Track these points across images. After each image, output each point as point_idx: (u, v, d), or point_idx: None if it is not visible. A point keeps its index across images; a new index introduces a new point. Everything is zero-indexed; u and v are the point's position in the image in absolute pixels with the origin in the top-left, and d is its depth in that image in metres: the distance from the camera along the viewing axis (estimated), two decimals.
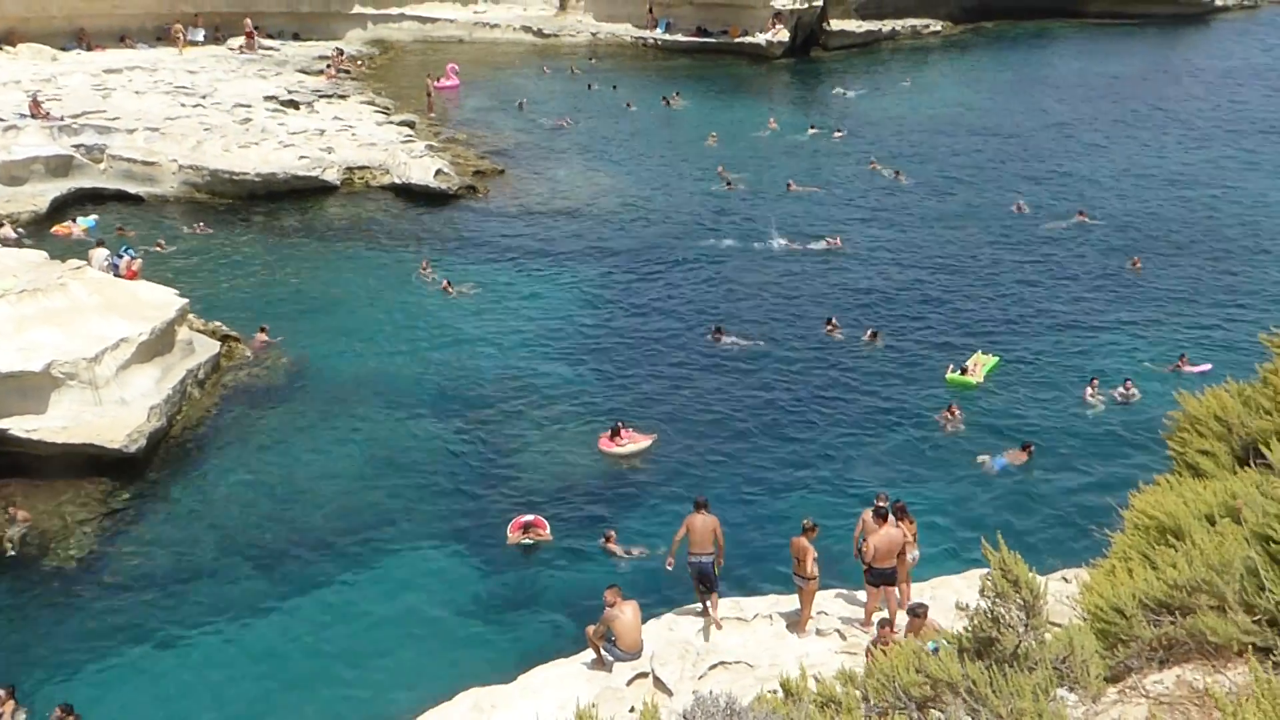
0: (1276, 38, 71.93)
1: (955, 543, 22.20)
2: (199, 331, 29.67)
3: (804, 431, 27.02)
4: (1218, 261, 37.02)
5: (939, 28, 72.28)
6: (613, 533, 22.49)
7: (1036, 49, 70.62)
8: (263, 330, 30.84)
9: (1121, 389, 28.39)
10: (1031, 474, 25.16)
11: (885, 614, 16.58)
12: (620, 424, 26.35)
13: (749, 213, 41.12)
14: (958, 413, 27.41)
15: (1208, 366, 28.83)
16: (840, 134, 51.07)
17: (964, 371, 29.33)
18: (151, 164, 41.37)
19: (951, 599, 16.85)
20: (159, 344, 27.05)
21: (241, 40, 58.21)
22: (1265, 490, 8.28)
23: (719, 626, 17.14)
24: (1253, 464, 9.30)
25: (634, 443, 25.99)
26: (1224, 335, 31.58)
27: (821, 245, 37.97)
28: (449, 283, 34.22)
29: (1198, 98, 58.05)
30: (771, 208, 41.61)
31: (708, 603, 17.36)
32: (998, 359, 30.11)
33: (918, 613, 14.90)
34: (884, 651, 8.36)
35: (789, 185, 43.88)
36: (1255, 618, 7.24)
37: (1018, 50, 69.78)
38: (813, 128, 51.86)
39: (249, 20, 59.23)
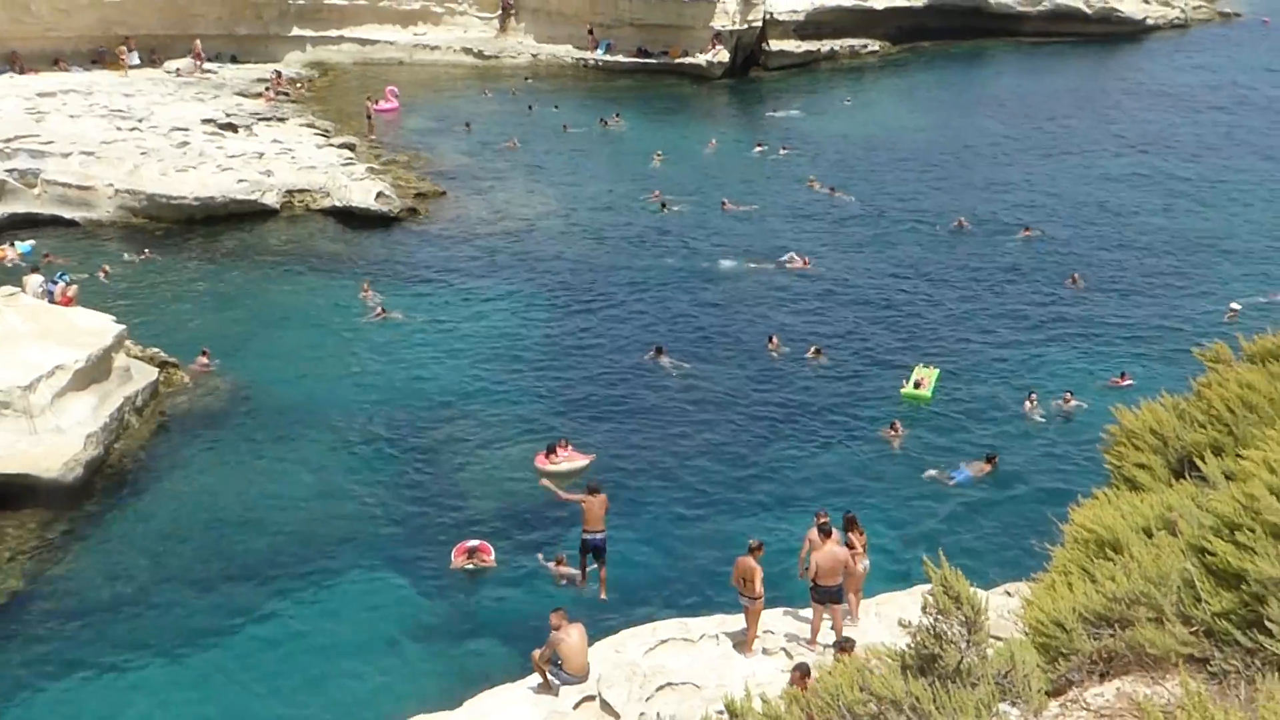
0: (1207, 56, 73.20)
1: (900, 559, 22.33)
2: (136, 358, 29.27)
3: (747, 449, 27.09)
4: (1154, 277, 37.58)
5: (877, 47, 72.84)
6: (563, 555, 22.41)
7: (973, 68, 71.43)
8: (204, 354, 30.54)
9: (1060, 401, 28.74)
10: (976, 488, 25.38)
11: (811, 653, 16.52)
12: (563, 440, 26.39)
13: (689, 233, 41.21)
14: (901, 428, 27.62)
15: (1131, 382, 29.31)
16: (786, 150, 51.34)
17: (917, 385, 29.63)
18: (87, 188, 40.84)
19: (897, 616, 16.91)
20: (96, 371, 26.68)
21: (179, 64, 57.63)
22: (1200, 502, 8.38)
23: (604, 597, 20.46)
24: (1188, 476, 9.42)
25: (569, 461, 25.98)
26: (1160, 349, 32.00)
27: (795, 265, 38.06)
28: (383, 309, 33.96)
29: (1132, 116, 58.93)
30: (709, 227, 41.71)
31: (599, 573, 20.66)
32: (939, 371, 30.42)
33: (845, 647, 14.66)
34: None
35: (724, 204, 44.03)
36: (1192, 629, 7.32)
37: (955, 69, 70.53)
38: (759, 145, 52.13)
39: (198, 41, 58.84)
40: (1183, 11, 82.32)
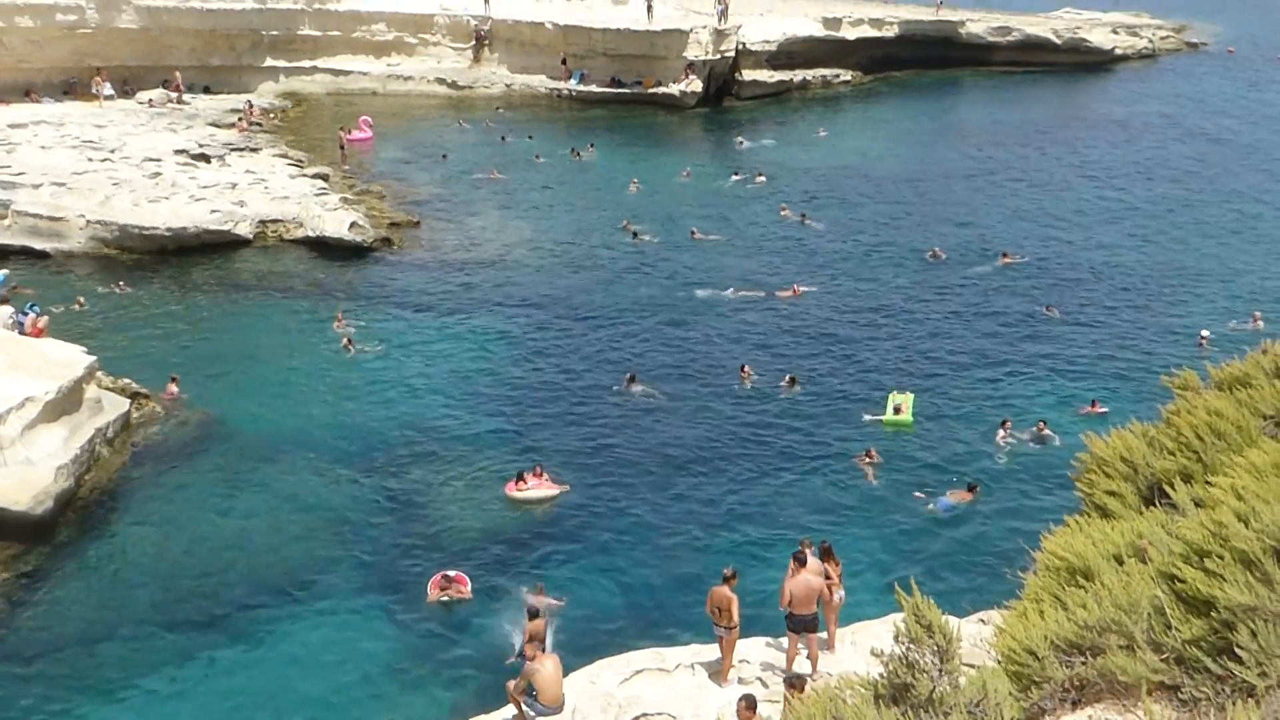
0: (1175, 86, 74.05)
1: (876, 587, 22.30)
2: (108, 389, 29.10)
3: (721, 478, 27.07)
4: (1126, 304, 37.82)
5: (849, 77, 73.44)
6: (541, 585, 22.36)
7: (945, 97, 72.05)
8: (173, 380, 30.41)
9: (1034, 429, 28.85)
10: (952, 515, 25.43)
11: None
12: (538, 467, 26.41)
13: (662, 262, 41.29)
14: (876, 456, 27.67)
15: (1105, 409, 29.48)
16: (762, 178, 51.57)
17: (897, 411, 29.74)
18: (58, 219, 40.66)
19: (873, 644, 16.90)
20: (66, 403, 26.49)
21: (151, 94, 57.61)
22: (1170, 529, 8.42)
23: None
24: (1158, 504, 9.46)
25: (539, 489, 25.97)
26: (1134, 376, 32.18)
27: (785, 294, 38.18)
28: (350, 340, 33.71)
29: (1103, 146, 59.50)
30: (681, 256, 41.77)
31: None
32: (914, 395, 30.57)
33: (794, 684, 14.46)
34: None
35: (692, 233, 44.12)
36: (1163, 656, 7.34)
37: (927, 99, 71.11)
38: (736, 173, 52.40)
39: (178, 73, 59.01)
40: (1150, 42, 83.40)
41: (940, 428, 29.58)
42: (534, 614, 19.02)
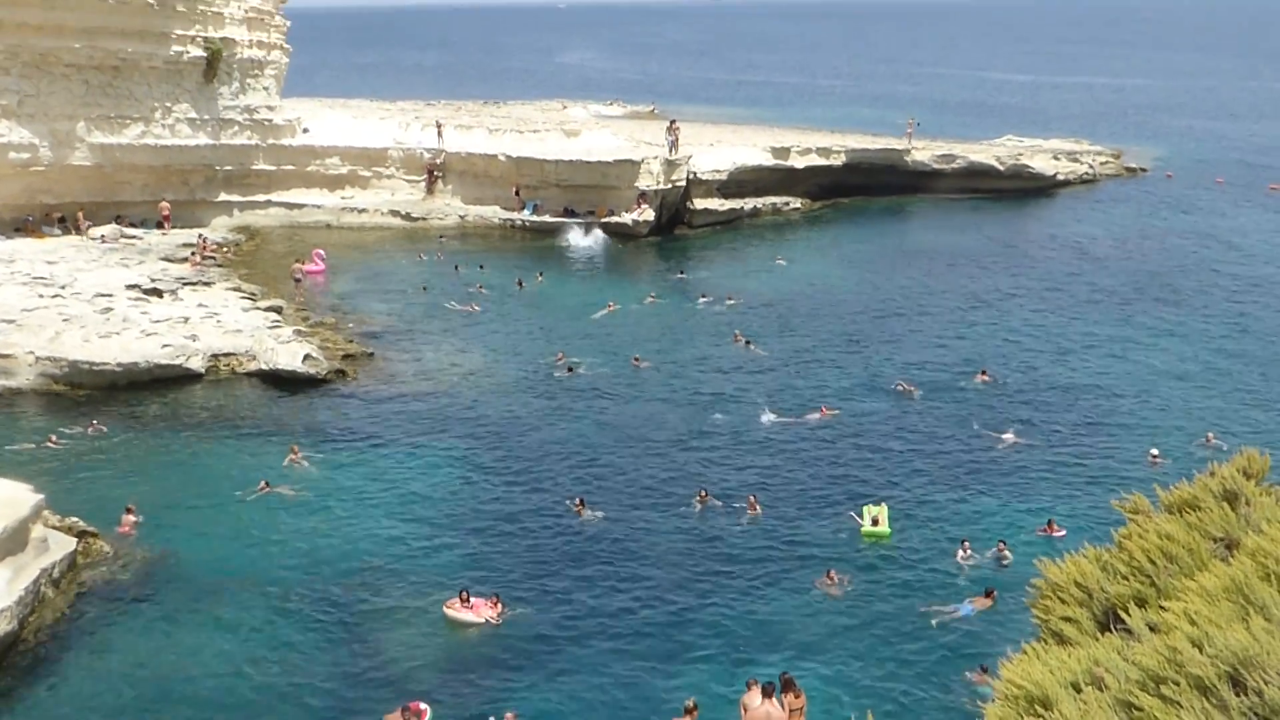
0: (1116, 211, 75.78)
1: (840, 716, 22.04)
2: (54, 528, 28.58)
3: (677, 607, 26.78)
4: (1079, 425, 38.20)
5: (798, 204, 74.79)
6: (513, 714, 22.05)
7: (894, 223, 73.43)
8: (129, 511, 30.03)
9: (994, 551, 28.88)
10: (910, 640, 25.25)
11: None
12: (495, 598, 26.17)
13: (611, 389, 41.37)
14: (836, 577, 27.57)
15: (1063, 533, 29.65)
16: (732, 301, 52.21)
17: (875, 523, 29.81)
18: (7, 356, 40.29)
19: None
20: (10, 543, 25.96)
21: (104, 230, 57.74)
22: (1126, 656, 8.37)
23: None
24: (1113, 629, 9.42)
25: (473, 613, 25.72)
26: (1088, 497, 32.38)
27: (816, 416, 38.51)
28: (266, 483, 32.73)
29: (1050, 269, 60.64)
30: (627, 383, 41.88)
31: None
32: (886, 506, 30.72)
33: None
34: None
35: (634, 361, 44.29)
36: None
37: (876, 225, 72.38)
38: (704, 296, 53.07)
39: (165, 204, 59.51)
40: (1090, 167, 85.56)
41: (902, 549, 29.51)
42: None
